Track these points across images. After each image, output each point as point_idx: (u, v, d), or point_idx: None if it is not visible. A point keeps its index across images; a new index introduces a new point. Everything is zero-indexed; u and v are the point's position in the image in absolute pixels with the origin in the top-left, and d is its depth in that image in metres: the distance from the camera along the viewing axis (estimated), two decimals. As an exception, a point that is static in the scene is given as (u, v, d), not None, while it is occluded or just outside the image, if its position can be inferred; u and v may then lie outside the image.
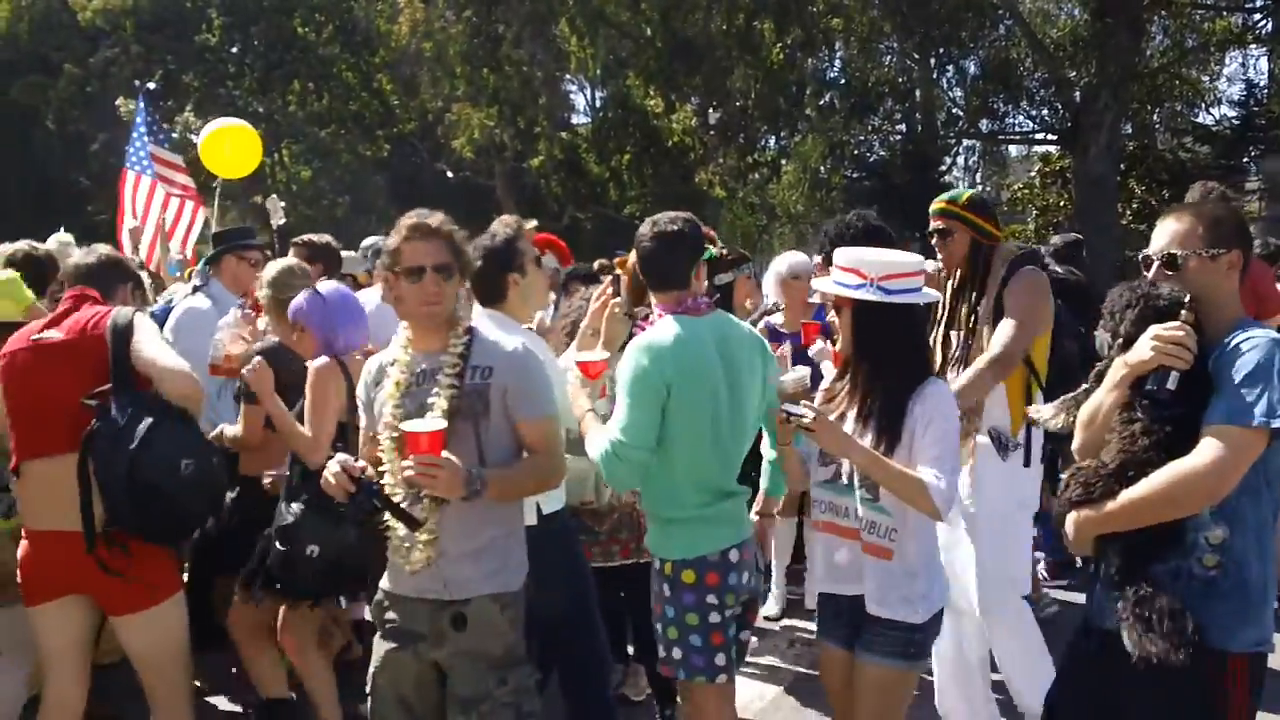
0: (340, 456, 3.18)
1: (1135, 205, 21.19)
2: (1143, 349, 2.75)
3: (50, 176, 31.47)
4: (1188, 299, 2.80)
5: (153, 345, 3.85)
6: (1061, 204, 22.71)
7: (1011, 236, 22.89)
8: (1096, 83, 20.09)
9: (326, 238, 6.57)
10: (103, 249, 4.33)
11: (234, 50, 28.49)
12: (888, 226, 4.96)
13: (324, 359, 4.28)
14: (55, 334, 3.88)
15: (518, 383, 3.30)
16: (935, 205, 4.63)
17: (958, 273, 4.60)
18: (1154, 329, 2.75)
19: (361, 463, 3.24)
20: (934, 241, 4.59)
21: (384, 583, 3.40)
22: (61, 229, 7.84)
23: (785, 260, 6.42)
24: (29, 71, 29.27)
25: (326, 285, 4.53)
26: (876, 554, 3.29)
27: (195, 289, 6.14)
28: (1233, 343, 2.75)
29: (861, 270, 3.27)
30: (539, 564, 3.58)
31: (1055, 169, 23.22)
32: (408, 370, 3.32)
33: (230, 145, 8.60)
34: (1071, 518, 2.88)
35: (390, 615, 3.36)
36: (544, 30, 23.97)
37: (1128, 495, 2.73)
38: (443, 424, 3.11)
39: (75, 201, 30.30)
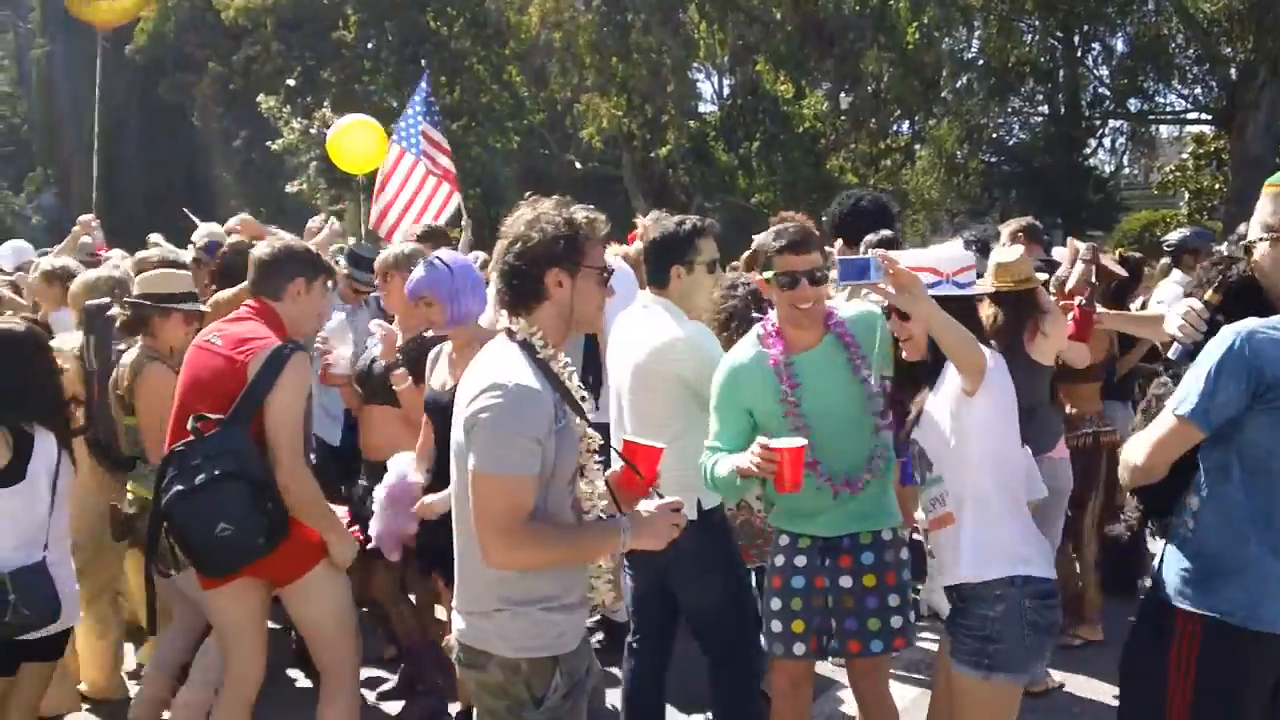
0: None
1: (1298, 187, 20.03)
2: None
3: (195, 172, 32.66)
4: (1225, 278, 3.04)
5: (291, 412, 3.78)
6: (1216, 187, 21.70)
7: (1162, 222, 21.95)
8: (1254, 59, 19.23)
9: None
10: (279, 241, 4.22)
11: (369, 46, 28.99)
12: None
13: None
14: (219, 343, 3.86)
15: None
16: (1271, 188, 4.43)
17: None
18: (1182, 302, 3.05)
19: None
20: None
21: (557, 648, 2.82)
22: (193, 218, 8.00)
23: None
24: (175, 70, 30.38)
25: (446, 254, 4.47)
26: (942, 524, 3.35)
27: None
28: None
29: (937, 268, 3.34)
30: (699, 558, 3.85)
31: (1209, 150, 22.23)
32: None
33: (357, 142, 8.63)
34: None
35: (574, 673, 2.88)
36: (672, 17, 23.83)
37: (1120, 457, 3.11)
38: None
39: (219, 196, 31.37)
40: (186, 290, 4.81)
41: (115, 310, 4.92)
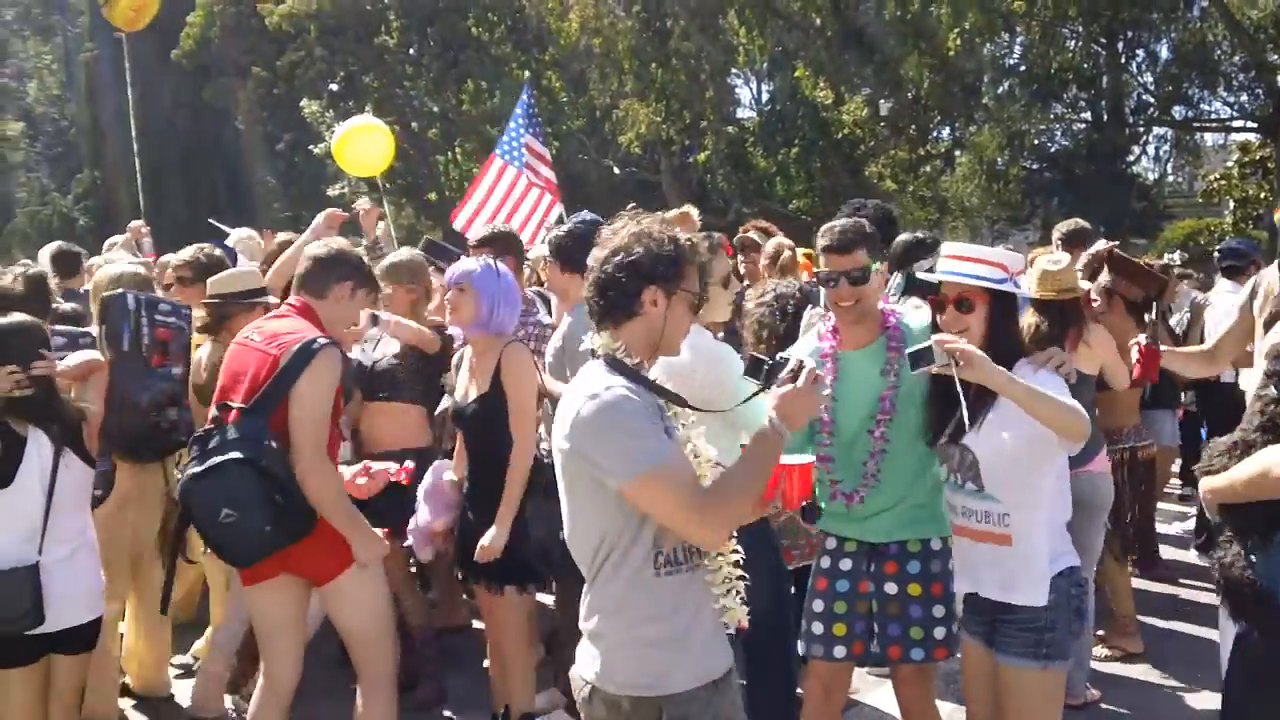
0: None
1: (1344, 196, 19.78)
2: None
3: (240, 175, 33.02)
4: None
5: (315, 405, 3.76)
6: (1262, 195, 21.39)
7: (1207, 230, 21.68)
8: (1302, 66, 18.91)
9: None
10: (335, 244, 4.26)
11: (411, 51, 29.20)
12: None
13: (517, 343, 4.34)
14: (257, 339, 3.89)
15: None
16: None
17: None
18: None
19: None
20: None
21: (660, 688, 2.63)
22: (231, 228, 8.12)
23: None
24: (220, 75, 30.70)
25: (502, 265, 4.49)
26: (996, 541, 3.36)
27: None
28: None
29: (1006, 265, 3.40)
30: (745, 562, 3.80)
31: (1254, 158, 21.90)
32: None
33: (360, 145, 8.65)
34: (1202, 485, 3.12)
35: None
36: (711, 23, 23.81)
37: (1231, 472, 2.98)
38: None
39: (263, 199, 31.71)
40: (261, 285, 5.04)
41: (197, 313, 5.08)
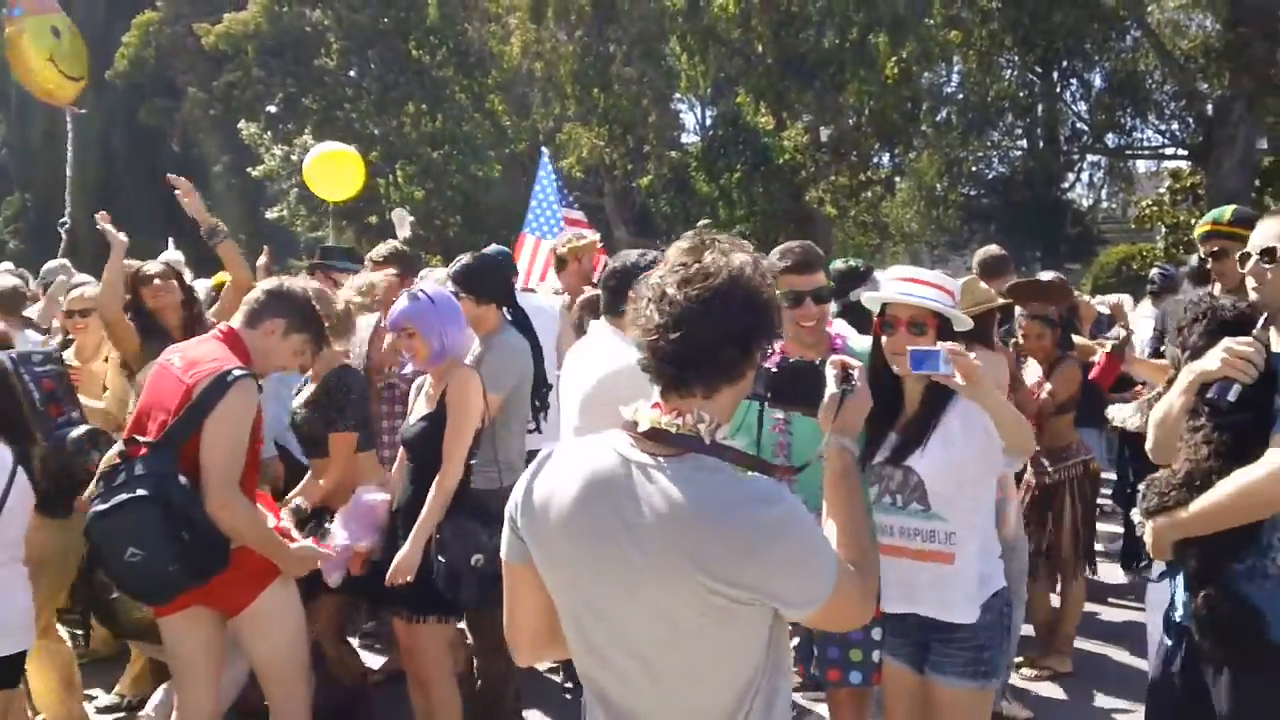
0: None
1: (1273, 223, 20.19)
2: (1211, 359, 2.85)
3: (175, 197, 32.57)
4: (1263, 316, 2.90)
5: (226, 440, 3.65)
6: (1192, 222, 21.74)
7: (1139, 256, 22.07)
8: (1230, 95, 19.41)
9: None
10: (287, 283, 4.15)
11: (351, 73, 29.01)
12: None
13: (468, 368, 4.28)
14: (178, 364, 3.78)
15: None
16: (1202, 229, 4.74)
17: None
18: (1226, 341, 2.84)
19: None
20: (1210, 265, 4.65)
21: None
22: (171, 244, 7.93)
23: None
24: (156, 95, 30.29)
25: (431, 288, 4.42)
26: (939, 560, 3.31)
27: None
28: None
29: (955, 292, 3.39)
30: None
31: (1186, 185, 22.35)
32: None
33: (334, 169, 8.62)
34: (1149, 525, 2.99)
35: None
36: (654, 49, 23.92)
37: (1198, 504, 2.85)
38: None
39: (198, 221, 31.24)
40: None
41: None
